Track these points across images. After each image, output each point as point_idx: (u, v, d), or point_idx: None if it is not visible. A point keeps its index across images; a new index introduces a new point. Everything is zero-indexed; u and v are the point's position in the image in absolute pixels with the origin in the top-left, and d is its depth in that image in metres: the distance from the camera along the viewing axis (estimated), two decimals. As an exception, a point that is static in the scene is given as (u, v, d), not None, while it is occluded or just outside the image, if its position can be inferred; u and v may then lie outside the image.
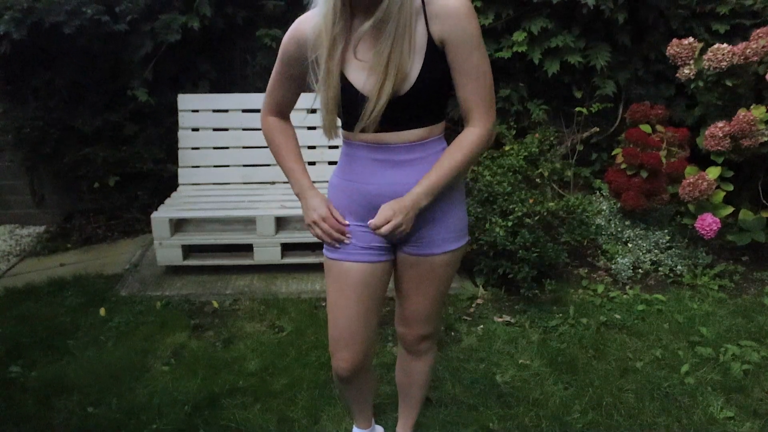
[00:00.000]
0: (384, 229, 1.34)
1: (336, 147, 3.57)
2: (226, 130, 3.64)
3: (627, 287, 3.05)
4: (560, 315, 2.75)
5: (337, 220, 1.44)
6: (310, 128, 3.50)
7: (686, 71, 3.25)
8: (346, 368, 1.55)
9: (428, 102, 1.36)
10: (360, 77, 1.32)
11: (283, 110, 1.53)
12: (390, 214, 1.34)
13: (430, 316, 1.60)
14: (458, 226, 1.51)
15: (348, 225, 1.45)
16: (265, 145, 1.57)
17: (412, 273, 1.53)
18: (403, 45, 1.27)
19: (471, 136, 1.37)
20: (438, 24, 1.29)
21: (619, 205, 3.44)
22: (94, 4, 3.28)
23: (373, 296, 1.50)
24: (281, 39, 1.45)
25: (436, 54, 1.31)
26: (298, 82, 1.45)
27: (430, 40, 1.30)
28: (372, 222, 1.36)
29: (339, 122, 1.43)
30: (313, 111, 1.47)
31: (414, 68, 1.30)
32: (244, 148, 3.64)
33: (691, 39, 3.27)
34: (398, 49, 1.26)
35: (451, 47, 1.31)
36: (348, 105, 1.35)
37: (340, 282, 1.48)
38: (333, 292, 1.50)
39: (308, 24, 1.35)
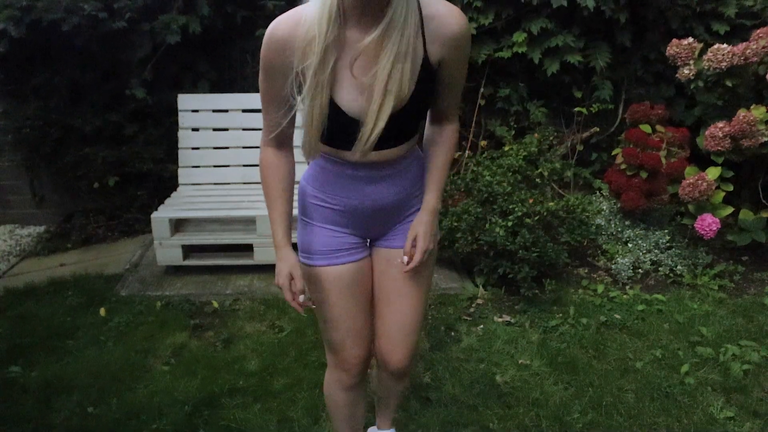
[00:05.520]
0: (416, 261, 1.41)
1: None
2: (226, 130, 3.64)
3: (627, 287, 3.05)
4: (560, 315, 2.75)
5: (295, 286, 1.37)
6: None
7: (686, 71, 3.25)
8: (357, 366, 1.54)
9: (414, 120, 1.32)
10: (351, 97, 1.22)
11: (280, 136, 1.35)
12: (422, 245, 1.41)
13: (414, 323, 1.52)
14: None
15: (305, 292, 1.38)
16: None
17: (392, 271, 1.49)
18: (405, 64, 1.17)
19: (451, 132, 1.45)
20: (439, 47, 1.24)
21: (619, 205, 3.44)
22: (92, 1, 3.27)
23: (365, 293, 1.51)
24: None
25: (429, 73, 1.26)
26: (290, 99, 1.26)
27: (426, 59, 1.23)
28: (407, 263, 1.43)
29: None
30: None
31: (410, 88, 1.22)
32: (244, 148, 3.63)
33: (691, 39, 3.27)
34: (399, 67, 1.17)
35: (448, 65, 1.28)
36: (335, 128, 1.25)
37: (336, 286, 1.45)
38: (331, 297, 1.46)
39: (291, 29, 1.19)
